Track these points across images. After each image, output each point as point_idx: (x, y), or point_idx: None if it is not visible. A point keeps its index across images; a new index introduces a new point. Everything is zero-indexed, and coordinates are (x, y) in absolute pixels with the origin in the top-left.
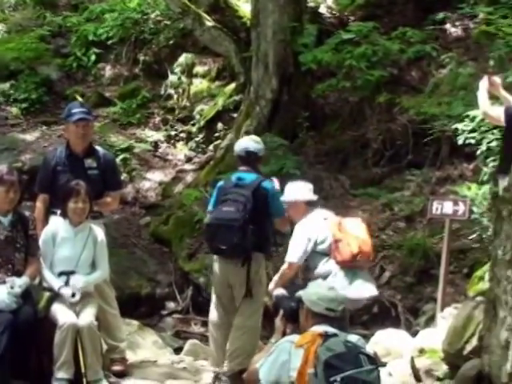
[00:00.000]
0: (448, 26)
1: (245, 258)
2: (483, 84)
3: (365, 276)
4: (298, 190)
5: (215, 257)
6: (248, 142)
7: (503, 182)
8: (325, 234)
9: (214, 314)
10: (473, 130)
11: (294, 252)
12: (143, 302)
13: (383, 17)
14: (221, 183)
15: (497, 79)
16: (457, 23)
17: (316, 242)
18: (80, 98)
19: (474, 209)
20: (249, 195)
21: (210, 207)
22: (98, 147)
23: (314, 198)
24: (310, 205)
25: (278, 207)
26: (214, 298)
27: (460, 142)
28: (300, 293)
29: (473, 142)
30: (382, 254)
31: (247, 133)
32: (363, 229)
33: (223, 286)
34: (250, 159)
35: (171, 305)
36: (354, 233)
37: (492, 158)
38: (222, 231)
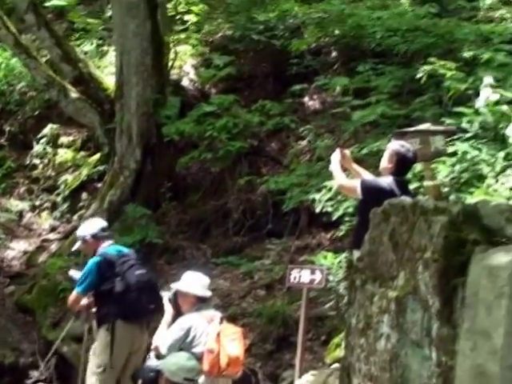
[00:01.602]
0: (306, 98)
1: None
2: (335, 157)
3: None
4: (192, 283)
5: (120, 323)
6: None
7: (357, 253)
8: (202, 338)
9: None
10: (330, 200)
11: (166, 342)
12: (6, 371)
13: (244, 90)
14: (106, 256)
15: (347, 152)
16: (314, 96)
17: (191, 343)
18: None
19: (331, 277)
20: None
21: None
22: None
23: (207, 294)
24: (201, 300)
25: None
26: (105, 370)
27: (317, 210)
28: (159, 363)
29: (330, 210)
30: (242, 323)
31: (111, 202)
32: (239, 344)
33: (124, 354)
34: None
35: (35, 374)
36: (228, 349)
37: (348, 226)
38: (145, 292)
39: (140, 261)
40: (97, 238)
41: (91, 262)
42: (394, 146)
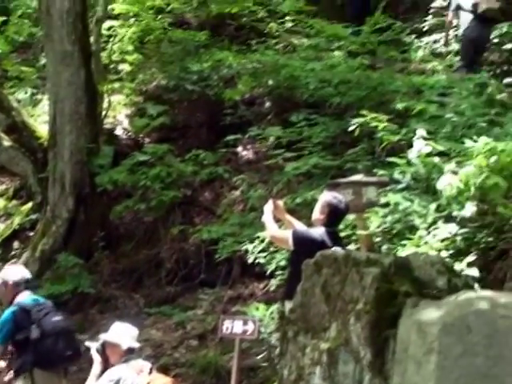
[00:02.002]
0: (240, 149)
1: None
2: (268, 207)
3: None
4: (121, 334)
5: (37, 372)
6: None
7: (289, 304)
8: None
9: None
10: (263, 250)
11: None
12: None
13: (178, 139)
14: (22, 305)
15: (280, 203)
16: (248, 146)
17: None
18: None
19: (263, 328)
20: None
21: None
22: None
23: (135, 345)
24: (129, 351)
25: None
26: None
27: (250, 261)
28: None
29: (263, 261)
30: (175, 373)
31: (43, 251)
32: None
33: None
34: None
35: None
36: None
37: (280, 277)
38: (62, 338)
39: (55, 309)
40: (17, 287)
41: (7, 312)
42: (326, 197)
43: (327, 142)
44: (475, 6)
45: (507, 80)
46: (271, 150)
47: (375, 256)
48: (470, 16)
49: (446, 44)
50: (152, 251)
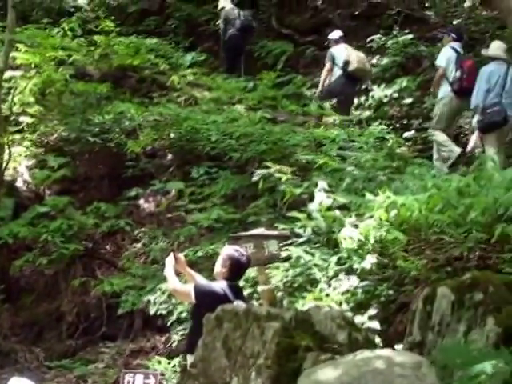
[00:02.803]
0: (141, 201)
1: None
2: (169, 261)
3: None
4: None
5: None
6: None
7: (191, 357)
8: None
9: None
10: (164, 302)
11: None
12: None
13: (79, 191)
14: None
15: (181, 257)
16: (150, 199)
17: None
18: None
19: (165, 382)
20: None
21: None
22: None
23: None
24: None
25: None
26: None
27: (152, 312)
28: None
29: (164, 312)
30: None
31: None
32: None
33: None
34: None
35: None
36: None
37: (182, 330)
38: None
39: None
40: None
41: None
42: (228, 250)
43: (229, 195)
44: (346, 63)
45: (407, 134)
46: (173, 203)
47: (276, 310)
48: (340, 71)
49: (319, 93)
50: (53, 304)
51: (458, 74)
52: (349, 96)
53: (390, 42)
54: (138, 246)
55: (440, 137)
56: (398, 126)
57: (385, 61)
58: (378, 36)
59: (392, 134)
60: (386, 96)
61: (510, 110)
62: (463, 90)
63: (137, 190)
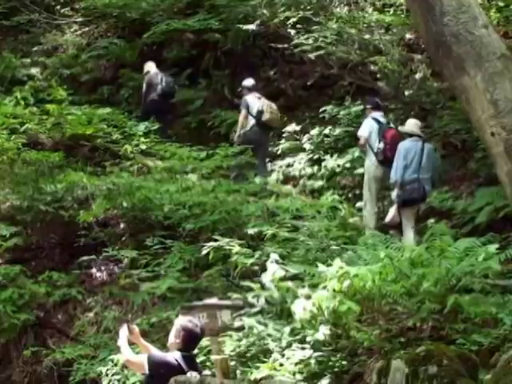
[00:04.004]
0: (94, 270)
1: None
2: (123, 332)
3: None
4: None
5: None
6: None
7: None
8: None
9: None
10: (117, 373)
11: None
12: None
13: (31, 260)
14: None
15: (135, 328)
16: (102, 267)
17: None
18: None
19: None
20: None
21: None
22: None
23: None
24: None
25: None
26: None
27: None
28: None
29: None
30: None
31: None
32: None
33: None
34: None
35: None
36: None
37: None
38: None
39: None
40: None
41: None
42: (182, 321)
43: (183, 264)
44: (260, 113)
45: (359, 204)
46: (126, 271)
47: (229, 381)
48: (253, 120)
49: (237, 138)
50: (3, 374)
51: (382, 145)
52: (264, 144)
53: (342, 112)
54: (91, 314)
55: (368, 207)
56: (350, 195)
57: (337, 131)
58: (331, 107)
59: (345, 204)
60: (338, 166)
61: (427, 186)
62: (388, 160)
63: (89, 259)
